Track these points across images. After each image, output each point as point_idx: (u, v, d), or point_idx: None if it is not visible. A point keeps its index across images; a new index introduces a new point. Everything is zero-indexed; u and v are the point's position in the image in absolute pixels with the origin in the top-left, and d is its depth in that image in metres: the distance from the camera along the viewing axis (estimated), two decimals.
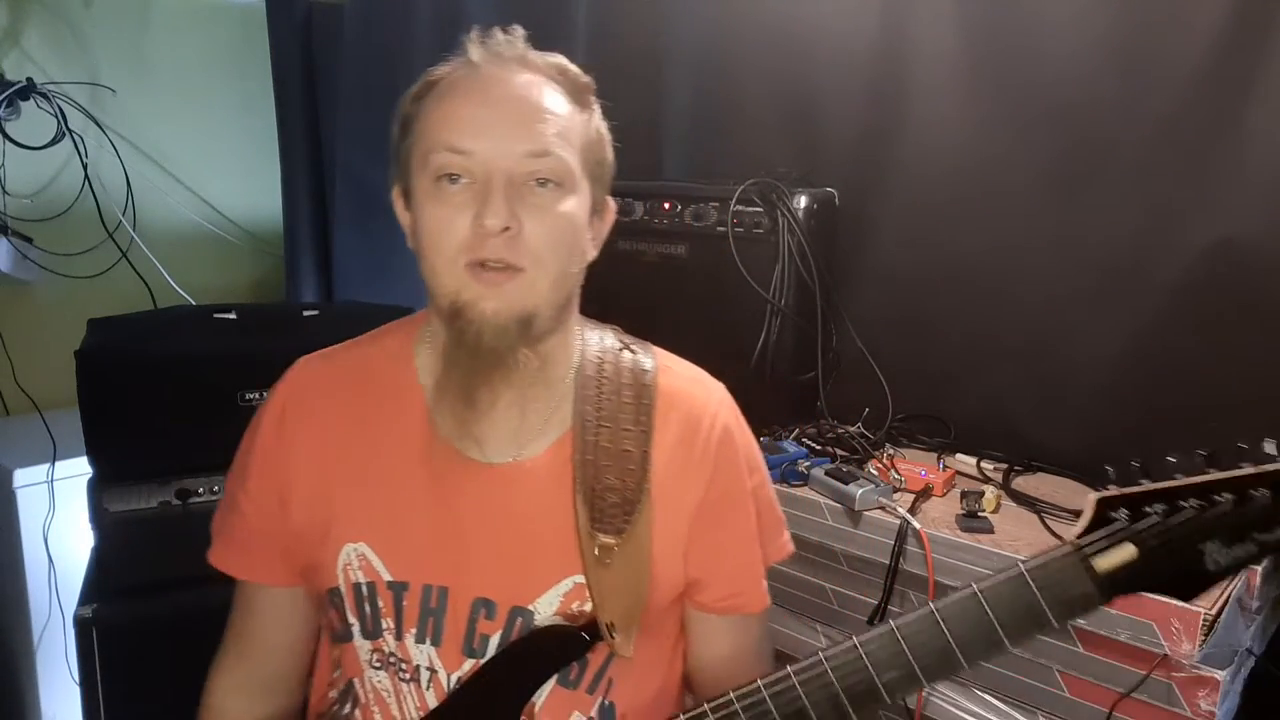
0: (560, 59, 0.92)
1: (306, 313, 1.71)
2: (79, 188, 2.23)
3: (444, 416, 0.91)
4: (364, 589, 0.90)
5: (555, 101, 0.88)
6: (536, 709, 0.89)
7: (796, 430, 1.71)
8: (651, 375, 0.96)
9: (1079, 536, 0.76)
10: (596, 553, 0.88)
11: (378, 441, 0.93)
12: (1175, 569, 0.75)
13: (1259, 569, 1.25)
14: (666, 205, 1.77)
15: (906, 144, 1.78)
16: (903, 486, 1.54)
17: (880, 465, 1.59)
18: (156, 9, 2.37)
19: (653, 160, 2.11)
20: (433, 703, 0.89)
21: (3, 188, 2.13)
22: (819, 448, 1.67)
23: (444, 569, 0.90)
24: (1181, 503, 0.75)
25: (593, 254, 0.94)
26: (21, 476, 1.84)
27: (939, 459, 1.64)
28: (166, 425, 1.48)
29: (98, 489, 1.47)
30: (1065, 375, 1.64)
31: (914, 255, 1.80)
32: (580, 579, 0.89)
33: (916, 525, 1.39)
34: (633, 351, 0.98)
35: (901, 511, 1.42)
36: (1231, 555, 0.73)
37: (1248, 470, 0.75)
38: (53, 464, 1.84)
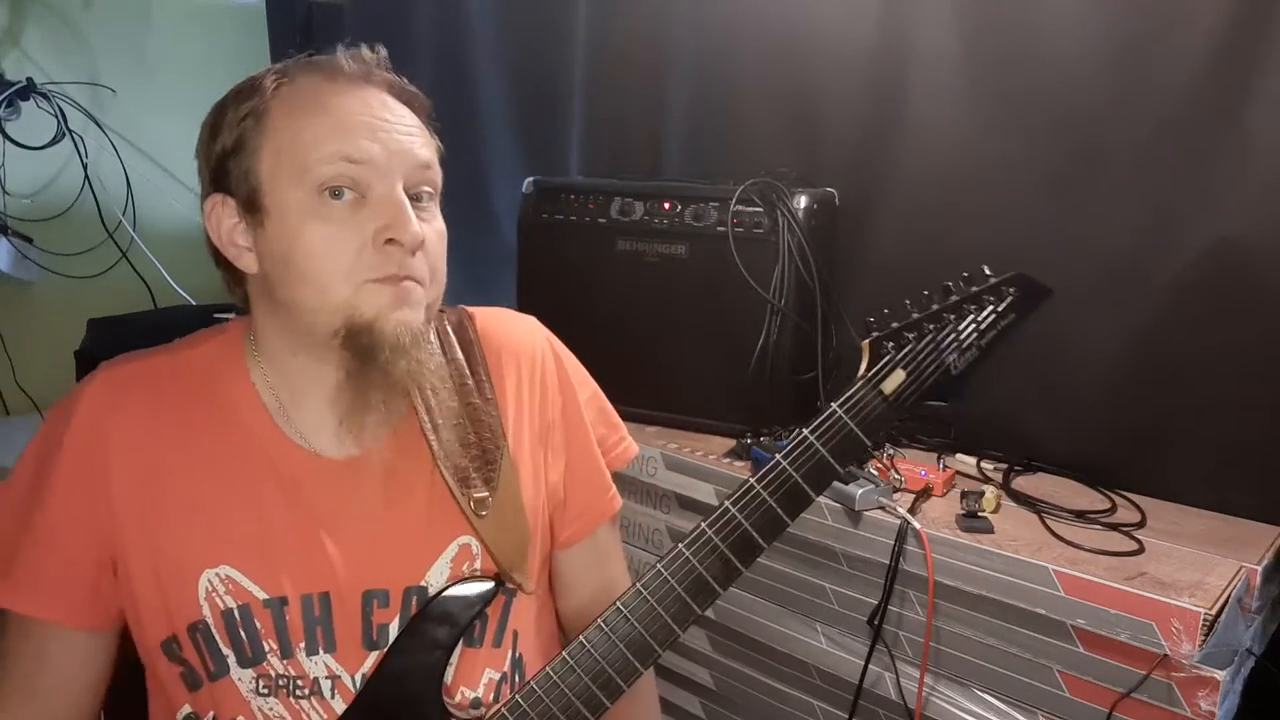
0: (399, 79, 0.91)
1: None
2: (79, 188, 2.24)
3: (289, 423, 0.88)
4: (236, 614, 0.85)
5: (421, 109, 0.90)
6: (447, 679, 0.88)
7: (797, 430, 1.71)
8: (471, 329, 0.99)
9: (864, 373, 0.92)
10: (473, 507, 0.89)
11: (217, 456, 0.87)
12: (934, 379, 0.93)
13: (1259, 569, 1.26)
14: (666, 205, 1.77)
15: (906, 144, 1.78)
16: (903, 486, 1.54)
17: (880, 465, 1.59)
18: (156, 9, 2.37)
19: (653, 160, 2.11)
20: (340, 708, 0.86)
21: (3, 188, 2.13)
22: None
23: (320, 574, 0.86)
24: (925, 329, 0.94)
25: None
26: None
27: (939, 459, 1.63)
28: None
29: None
30: (1065, 375, 1.64)
31: (914, 255, 1.80)
32: (464, 539, 0.90)
33: (916, 525, 1.39)
34: (449, 313, 1.00)
35: (901, 511, 1.42)
36: (964, 358, 0.95)
37: (955, 297, 0.98)
38: None
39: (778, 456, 0.90)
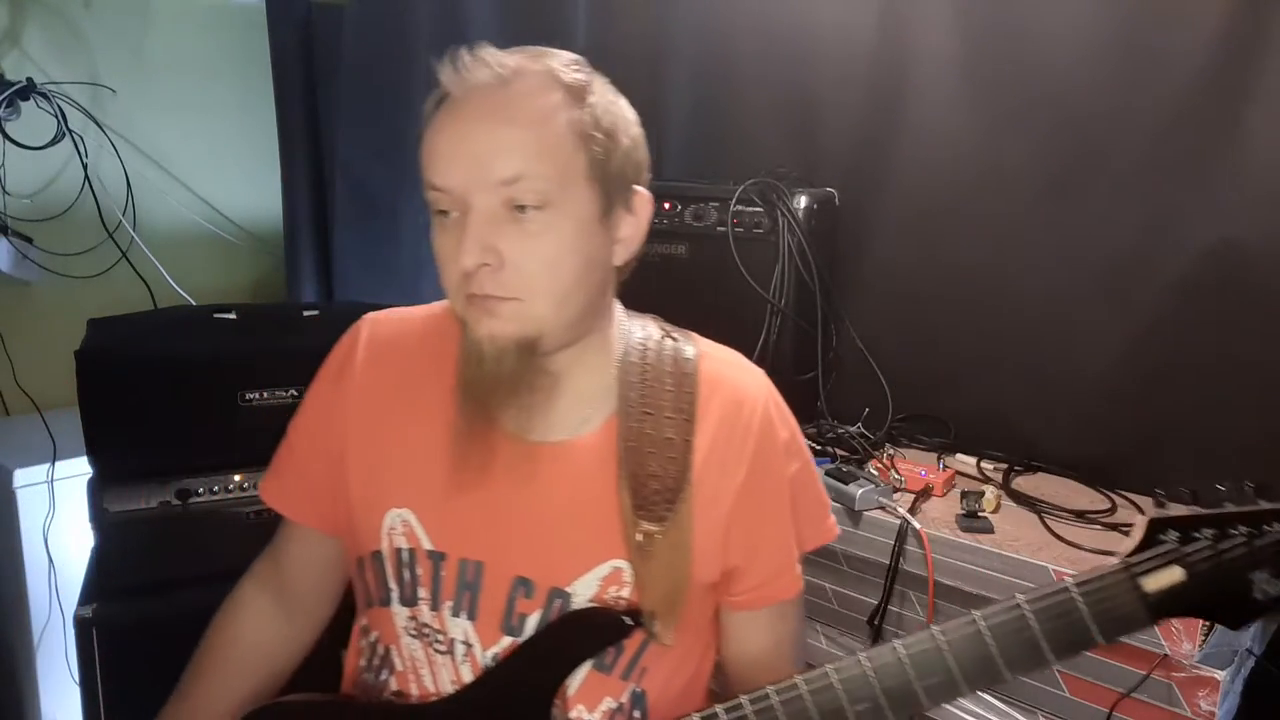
0: (544, 60, 0.87)
1: (306, 313, 1.70)
2: (79, 188, 2.23)
3: (472, 401, 0.91)
4: (405, 554, 0.91)
5: (529, 116, 0.83)
6: (570, 691, 0.89)
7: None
8: (692, 363, 0.95)
9: (1129, 555, 0.76)
10: (639, 539, 0.88)
11: (429, 411, 0.93)
12: (1222, 596, 0.75)
13: None
14: (667, 205, 1.77)
15: (906, 144, 1.78)
16: (903, 486, 1.54)
17: (880, 465, 1.59)
18: (156, 9, 2.37)
19: (653, 160, 2.10)
20: (467, 677, 0.90)
21: (3, 188, 2.12)
22: (819, 448, 1.67)
23: (482, 544, 0.90)
24: (1231, 530, 0.74)
25: (622, 256, 0.91)
26: (21, 476, 1.83)
27: (939, 459, 1.64)
28: (166, 425, 1.48)
29: (98, 489, 1.47)
30: (1065, 375, 1.64)
31: (914, 255, 1.80)
32: (619, 563, 0.89)
33: (916, 525, 1.39)
34: (674, 339, 0.98)
35: (901, 511, 1.42)
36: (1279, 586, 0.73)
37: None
38: (53, 464, 1.84)
39: (975, 614, 0.78)
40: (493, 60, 0.84)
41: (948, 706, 1.37)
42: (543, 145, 0.82)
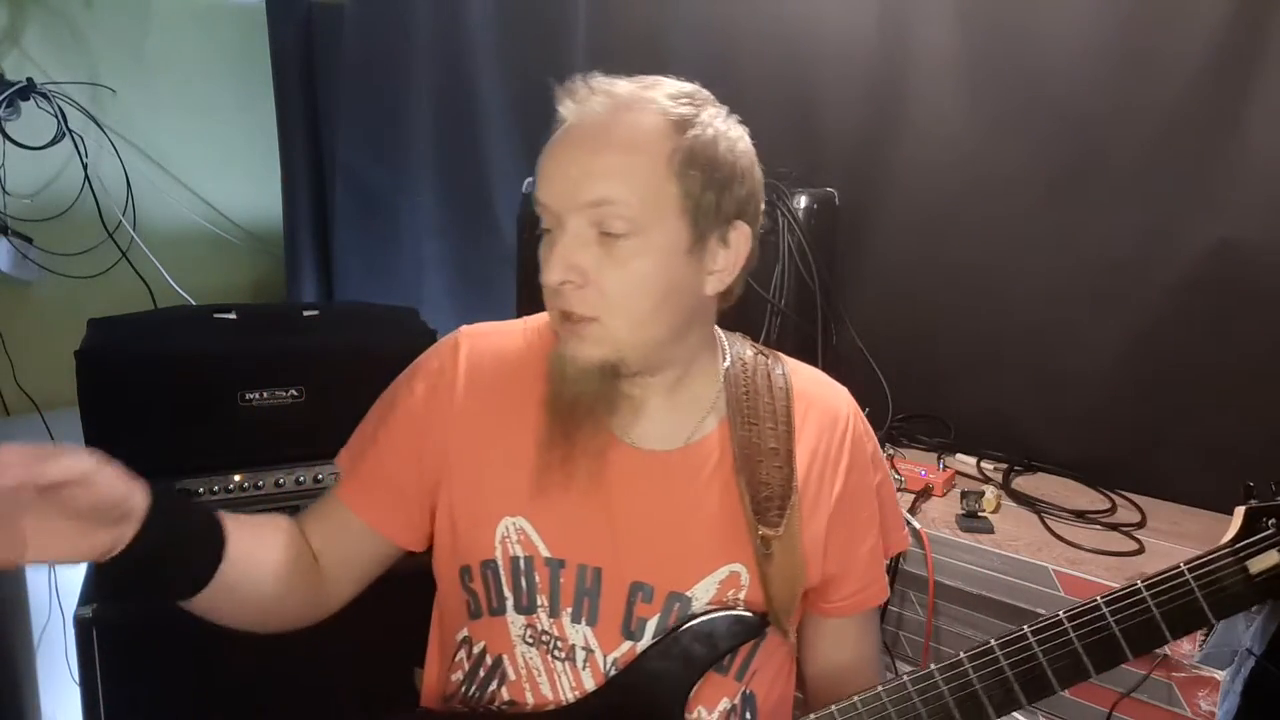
0: (653, 89, 0.89)
1: (306, 313, 1.70)
2: (79, 188, 2.24)
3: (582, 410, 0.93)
4: (521, 563, 0.92)
5: (626, 143, 0.85)
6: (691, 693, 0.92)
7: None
8: (785, 378, 1.00)
9: (1233, 542, 0.83)
10: (759, 543, 0.91)
11: (536, 423, 0.94)
12: None
13: None
14: None
15: (906, 144, 1.78)
16: (903, 486, 1.54)
17: None
18: (156, 9, 2.37)
19: None
20: (589, 682, 0.91)
21: (3, 188, 2.13)
22: None
23: (599, 550, 0.92)
24: None
25: (714, 287, 0.91)
26: None
27: (939, 459, 1.63)
28: (166, 425, 1.48)
29: None
30: (1065, 375, 1.64)
31: (914, 255, 1.80)
32: (736, 567, 0.92)
33: (916, 525, 1.39)
34: (765, 356, 1.03)
35: (902, 511, 1.42)
36: None
37: None
38: None
39: (1099, 599, 0.84)
40: (602, 88, 0.88)
41: None
42: (633, 174, 0.84)
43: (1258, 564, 0.81)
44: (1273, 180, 1.39)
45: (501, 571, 0.93)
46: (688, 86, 0.91)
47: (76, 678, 1.43)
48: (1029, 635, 0.85)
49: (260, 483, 1.53)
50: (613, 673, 0.91)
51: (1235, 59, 1.41)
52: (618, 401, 0.91)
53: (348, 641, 1.35)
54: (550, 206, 0.86)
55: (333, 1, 2.40)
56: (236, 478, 1.52)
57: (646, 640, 0.91)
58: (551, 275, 0.84)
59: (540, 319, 1.01)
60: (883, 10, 1.76)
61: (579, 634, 0.91)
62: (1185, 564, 0.83)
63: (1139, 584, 0.83)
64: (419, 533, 1.00)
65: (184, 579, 0.86)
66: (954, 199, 1.73)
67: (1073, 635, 0.84)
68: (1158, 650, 1.17)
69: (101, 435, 1.46)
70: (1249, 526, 0.83)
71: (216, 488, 1.51)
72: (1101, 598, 0.84)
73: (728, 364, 0.99)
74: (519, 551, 0.93)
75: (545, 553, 0.92)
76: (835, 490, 0.97)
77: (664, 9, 2.05)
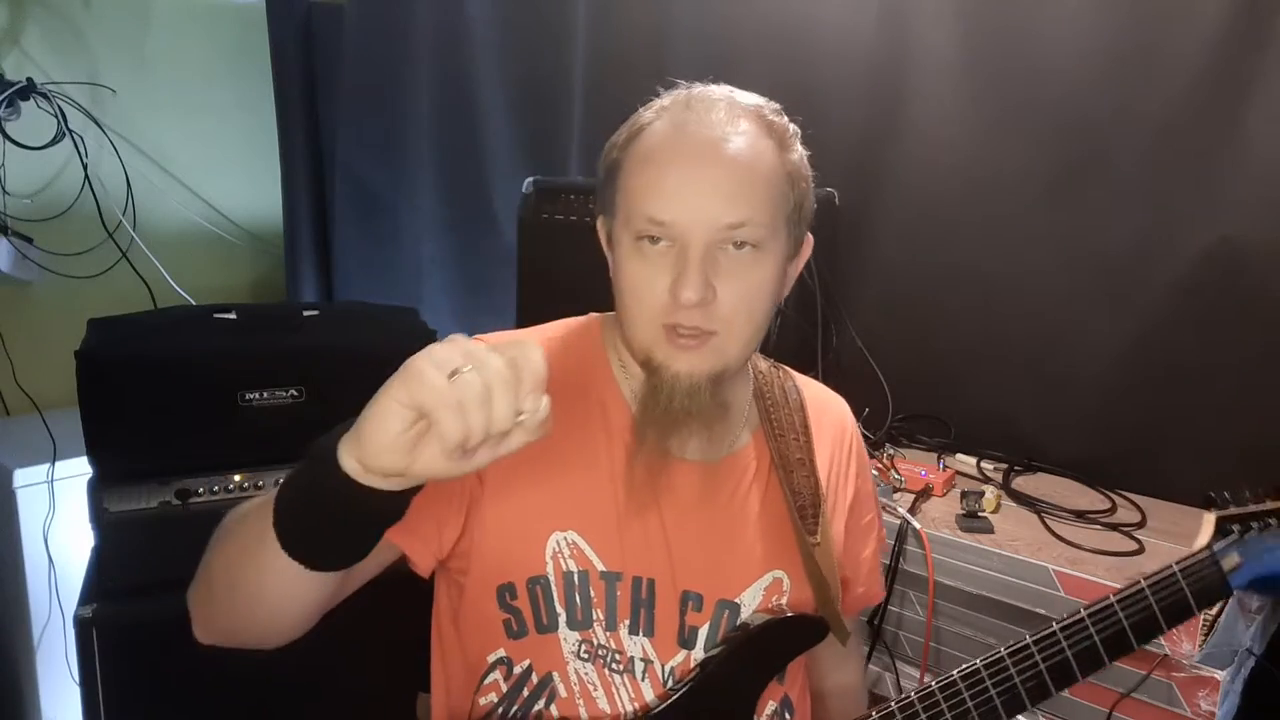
0: (760, 103, 0.92)
1: (306, 313, 1.70)
2: (79, 188, 2.23)
3: (648, 432, 0.93)
4: (575, 578, 0.91)
5: (755, 160, 0.87)
6: None
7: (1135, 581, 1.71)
8: (797, 389, 1.04)
9: (1207, 545, 0.96)
10: (805, 549, 0.94)
11: (582, 436, 0.94)
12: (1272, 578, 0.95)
13: None
14: None
15: (906, 144, 1.78)
16: (903, 486, 1.54)
17: (880, 465, 1.59)
18: (156, 9, 2.37)
19: None
20: (648, 692, 0.90)
21: (3, 188, 2.12)
22: None
23: (651, 562, 0.92)
24: (1267, 522, 0.96)
25: (785, 293, 0.94)
26: (21, 476, 1.83)
27: (939, 459, 1.63)
28: (166, 425, 1.48)
29: (98, 489, 1.47)
30: (1065, 375, 1.64)
31: (914, 255, 1.80)
32: (779, 573, 0.95)
33: (916, 525, 1.39)
34: (776, 369, 1.06)
35: (901, 511, 1.42)
36: None
37: None
38: (53, 464, 1.84)
39: (1111, 598, 0.93)
40: (722, 102, 0.89)
41: None
42: (763, 191, 0.86)
43: (1229, 562, 0.95)
44: (1273, 180, 1.39)
45: (554, 588, 0.91)
46: (767, 99, 0.94)
47: (76, 678, 1.43)
48: (1030, 643, 0.93)
49: (260, 483, 1.53)
50: (670, 682, 0.91)
51: (1235, 59, 1.41)
52: (715, 412, 0.90)
53: (346, 641, 1.35)
54: (677, 224, 0.84)
55: (333, 1, 2.40)
56: (236, 478, 1.52)
57: (699, 648, 0.91)
58: (693, 293, 0.83)
59: (555, 328, 1.02)
60: (882, 11, 1.77)
61: (637, 645, 0.91)
62: (1175, 563, 0.94)
63: (1141, 583, 0.93)
64: (433, 554, 0.94)
65: (371, 544, 0.77)
66: (954, 199, 1.73)
67: (1091, 627, 0.92)
68: (1157, 650, 1.17)
69: (101, 435, 1.46)
70: (1220, 532, 0.96)
71: (216, 488, 1.51)
72: (1113, 595, 0.93)
73: (753, 377, 1.02)
74: (573, 566, 0.91)
75: (601, 566, 0.91)
76: (848, 497, 1.02)
77: (665, 9, 2.05)
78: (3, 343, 2.14)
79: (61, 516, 1.83)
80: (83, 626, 1.41)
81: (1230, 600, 1.18)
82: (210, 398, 1.49)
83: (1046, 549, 1.33)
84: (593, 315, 1.03)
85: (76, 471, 1.78)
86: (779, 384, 1.03)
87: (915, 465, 1.57)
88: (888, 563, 1.41)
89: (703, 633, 0.92)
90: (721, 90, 0.92)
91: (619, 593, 0.91)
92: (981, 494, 1.44)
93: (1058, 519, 1.43)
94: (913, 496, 1.50)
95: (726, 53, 1.97)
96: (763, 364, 1.05)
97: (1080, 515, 1.44)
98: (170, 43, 2.38)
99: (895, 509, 1.44)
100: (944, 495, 1.53)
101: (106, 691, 1.42)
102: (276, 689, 1.41)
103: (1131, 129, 1.52)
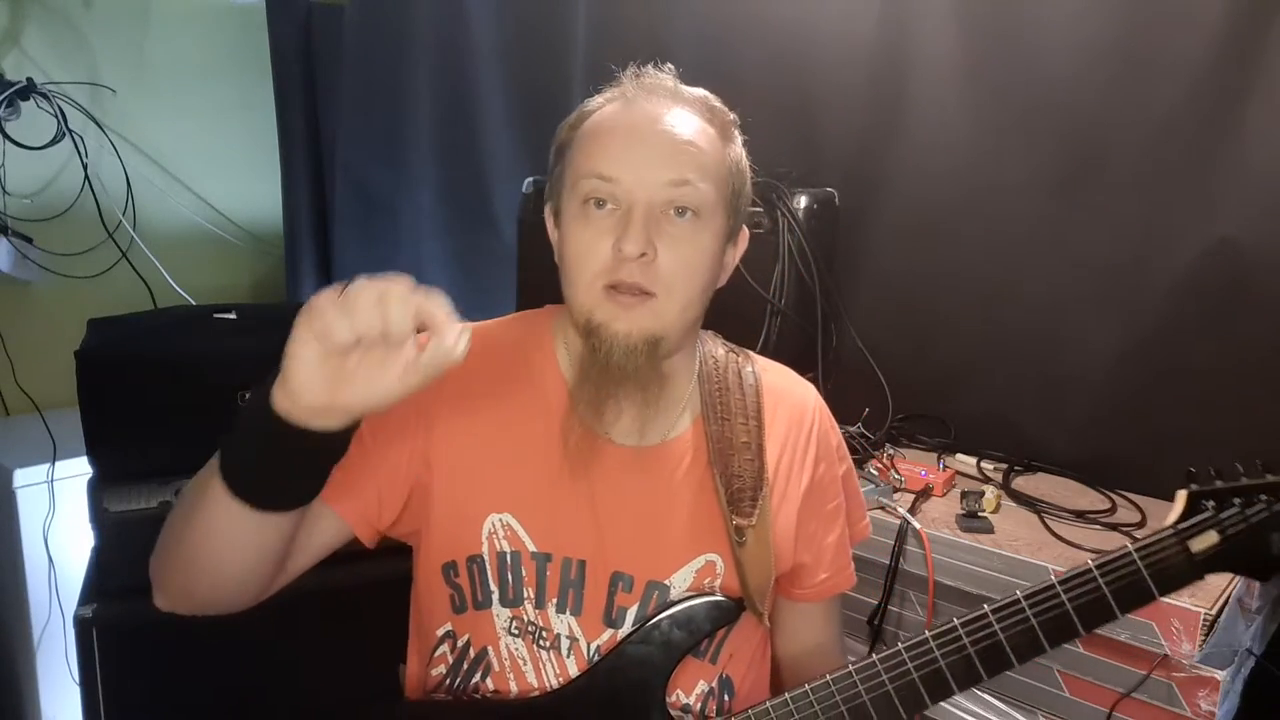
0: (705, 94, 0.97)
1: None
2: (79, 188, 2.23)
3: (582, 405, 0.96)
4: (508, 558, 0.95)
5: (698, 134, 0.92)
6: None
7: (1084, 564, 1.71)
8: (754, 375, 1.05)
9: (1176, 524, 0.88)
10: (734, 533, 0.95)
11: (522, 420, 0.97)
12: (1251, 554, 0.88)
13: None
14: None
15: (906, 144, 1.78)
16: (903, 486, 1.54)
17: (880, 465, 1.59)
18: (156, 9, 2.37)
19: None
20: (573, 669, 0.94)
21: (3, 188, 2.13)
22: None
23: (583, 543, 0.95)
24: (1255, 499, 0.89)
25: (723, 280, 0.99)
26: (21, 476, 1.83)
27: (939, 459, 1.64)
28: (166, 425, 1.48)
29: (98, 489, 1.47)
30: (1065, 375, 1.64)
31: (914, 255, 1.80)
32: (712, 556, 0.96)
33: (916, 525, 1.39)
34: (735, 354, 1.07)
35: (901, 511, 1.42)
36: None
37: None
38: (53, 464, 1.84)
39: (1053, 579, 0.88)
40: (670, 79, 0.96)
41: (946, 705, 1.37)
42: (707, 160, 0.92)
43: (1199, 543, 0.87)
44: (1273, 180, 1.39)
45: (488, 566, 0.95)
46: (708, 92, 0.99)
47: (76, 678, 1.43)
48: (989, 612, 0.88)
49: None
50: (596, 659, 0.94)
51: (1235, 60, 1.41)
52: (652, 383, 0.93)
53: (343, 641, 1.35)
54: (623, 179, 0.89)
55: (333, 1, 2.40)
56: None
57: (627, 628, 0.94)
58: (633, 246, 0.87)
59: (512, 315, 1.05)
60: (883, 12, 1.77)
61: (564, 624, 0.94)
62: (1132, 544, 0.88)
63: (1090, 564, 0.88)
64: (371, 525, 0.97)
65: (315, 486, 0.83)
66: (954, 199, 1.73)
67: (1028, 611, 0.88)
68: (1157, 651, 1.17)
69: (101, 435, 1.46)
70: (1191, 509, 0.89)
71: None
72: (1055, 579, 0.88)
73: (699, 360, 1.03)
74: (506, 547, 0.95)
75: (532, 547, 0.95)
76: (804, 482, 1.02)
77: (664, 10, 2.05)
78: (3, 343, 2.14)
79: (61, 516, 1.83)
80: (83, 626, 1.41)
81: (1230, 599, 1.18)
82: (210, 398, 1.49)
83: (1046, 549, 1.33)
84: (550, 305, 1.06)
85: (76, 471, 1.78)
86: (735, 368, 1.05)
87: (915, 465, 1.57)
88: (888, 563, 1.41)
89: (631, 613, 0.94)
90: (667, 77, 0.97)
91: (549, 573, 0.94)
92: (981, 494, 1.44)
93: (1058, 519, 1.43)
94: (913, 496, 1.50)
95: (727, 51, 1.97)
96: (720, 349, 1.07)
97: (1080, 515, 1.44)
98: (170, 43, 2.38)
99: (895, 509, 1.44)
100: (944, 495, 1.53)
101: (106, 691, 1.42)
102: (275, 688, 1.41)
103: (1131, 129, 1.52)
